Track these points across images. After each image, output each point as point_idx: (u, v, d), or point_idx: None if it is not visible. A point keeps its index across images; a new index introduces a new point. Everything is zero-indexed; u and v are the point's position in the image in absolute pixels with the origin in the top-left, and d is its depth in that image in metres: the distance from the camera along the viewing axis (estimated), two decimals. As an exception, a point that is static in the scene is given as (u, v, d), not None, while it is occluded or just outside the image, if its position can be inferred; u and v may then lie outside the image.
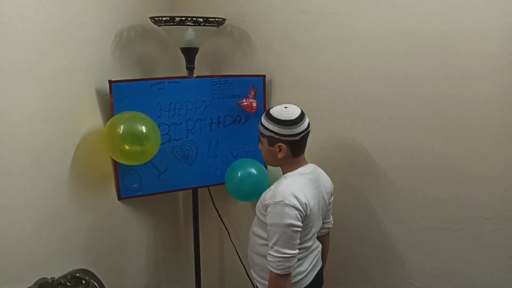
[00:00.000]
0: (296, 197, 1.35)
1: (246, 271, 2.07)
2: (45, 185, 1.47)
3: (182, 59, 1.84)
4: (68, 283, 1.09)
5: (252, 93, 1.86)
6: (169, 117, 1.80)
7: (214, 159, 1.92)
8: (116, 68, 1.75)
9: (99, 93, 1.67)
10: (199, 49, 1.83)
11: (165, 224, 2.12)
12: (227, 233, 2.12)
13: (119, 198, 1.79)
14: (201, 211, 2.04)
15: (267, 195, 1.41)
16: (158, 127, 1.76)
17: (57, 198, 1.52)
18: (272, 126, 1.40)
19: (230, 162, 1.93)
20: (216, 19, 1.73)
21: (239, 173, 1.78)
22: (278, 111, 1.41)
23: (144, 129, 1.60)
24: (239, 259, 2.10)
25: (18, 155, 1.38)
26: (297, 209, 1.33)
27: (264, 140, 1.45)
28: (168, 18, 1.66)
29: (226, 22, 1.84)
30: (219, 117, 1.88)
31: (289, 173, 1.45)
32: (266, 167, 1.96)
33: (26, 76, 1.37)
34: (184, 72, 1.85)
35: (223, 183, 1.87)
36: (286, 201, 1.34)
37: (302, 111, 1.44)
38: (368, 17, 1.63)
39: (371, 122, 1.71)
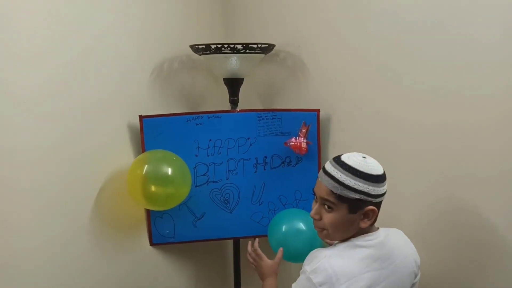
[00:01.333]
0: (329, 280, 0.97)
1: None
2: (65, 229, 1.38)
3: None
4: None
5: (304, 131, 1.55)
6: (208, 156, 1.59)
7: (259, 206, 1.65)
8: (155, 101, 1.62)
9: (132, 130, 1.54)
10: (245, 79, 1.61)
11: (211, 276, 1.89)
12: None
13: (151, 244, 1.63)
14: (246, 265, 1.76)
15: (309, 255, 1.07)
16: (195, 167, 1.58)
17: (78, 243, 1.42)
18: (363, 184, 0.99)
19: (279, 210, 1.63)
20: (260, 46, 1.49)
21: (283, 228, 1.46)
22: (360, 163, 1.01)
23: (170, 171, 1.42)
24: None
25: (34, 195, 1.30)
26: None
27: (342, 207, 1.01)
28: (204, 46, 1.47)
29: (278, 48, 1.60)
30: (265, 157, 1.62)
31: (342, 243, 1.07)
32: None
33: (45, 108, 1.31)
34: (228, 106, 1.64)
35: (269, 235, 1.58)
36: (312, 276, 0.99)
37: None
38: (456, 32, 1.19)
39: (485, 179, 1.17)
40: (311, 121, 1.55)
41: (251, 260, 1.36)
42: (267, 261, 1.31)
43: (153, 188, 1.41)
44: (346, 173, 0.99)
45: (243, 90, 1.64)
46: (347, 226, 1.03)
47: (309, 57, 1.59)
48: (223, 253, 1.93)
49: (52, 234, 1.35)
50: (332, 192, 1.00)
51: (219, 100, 1.77)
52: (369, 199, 0.99)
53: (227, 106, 1.68)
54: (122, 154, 1.52)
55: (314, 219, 1.09)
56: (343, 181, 0.99)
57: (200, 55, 1.56)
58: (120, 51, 1.49)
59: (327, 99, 1.56)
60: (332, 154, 1.53)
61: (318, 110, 1.55)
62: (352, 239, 1.05)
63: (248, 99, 1.74)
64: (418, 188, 1.32)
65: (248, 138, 1.60)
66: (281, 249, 1.33)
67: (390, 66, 1.36)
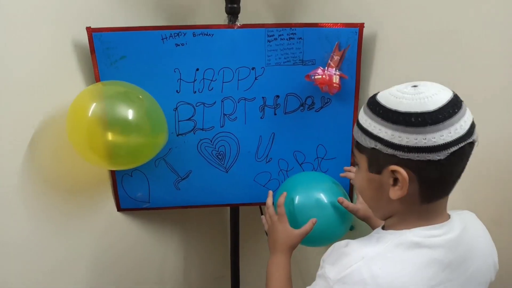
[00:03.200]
0: None
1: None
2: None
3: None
4: None
5: (336, 58, 1.04)
6: (195, 92, 1.11)
7: (266, 164, 1.19)
8: (114, 10, 1.10)
9: (80, 50, 1.05)
10: (250, -23, 1.08)
11: (204, 251, 1.49)
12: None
13: (119, 209, 1.21)
14: (247, 234, 1.36)
15: (332, 247, 0.69)
16: (176, 108, 1.11)
17: (10, 211, 0.99)
18: (379, 126, 0.62)
19: (293, 172, 1.18)
20: None
21: (297, 198, 1.02)
22: (396, 93, 0.62)
23: (131, 113, 0.95)
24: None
25: None
26: None
27: (362, 159, 0.68)
28: None
29: None
30: (277, 96, 1.13)
31: (391, 233, 0.66)
32: (351, 193, 1.16)
33: None
34: (224, 19, 1.12)
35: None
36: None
37: (454, 96, 0.61)
38: None
39: None
40: (349, 43, 1.04)
41: (267, 217, 0.99)
42: (287, 227, 0.94)
43: (110, 137, 0.96)
44: (366, 108, 0.65)
45: (246, -4, 1.11)
46: (373, 192, 0.68)
47: None
48: (220, 221, 1.51)
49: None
50: (353, 137, 0.69)
51: (211, 9, 1.23)
52: (389, 150, 0.61)
53: (222, 18, 1.14)
54: (66, 85, 1.04)
55: None
56: (359, 121, 0.67)
57: None
58: None
59: (373, 9, 1.03)
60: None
61: (361, 25, 1.02)
62: (405, 230, 0.64)
63: (254, 9, 1.21)
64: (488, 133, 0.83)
65: (253, 68, 1.11)
66: (314, 219, 0.94)
67: None
